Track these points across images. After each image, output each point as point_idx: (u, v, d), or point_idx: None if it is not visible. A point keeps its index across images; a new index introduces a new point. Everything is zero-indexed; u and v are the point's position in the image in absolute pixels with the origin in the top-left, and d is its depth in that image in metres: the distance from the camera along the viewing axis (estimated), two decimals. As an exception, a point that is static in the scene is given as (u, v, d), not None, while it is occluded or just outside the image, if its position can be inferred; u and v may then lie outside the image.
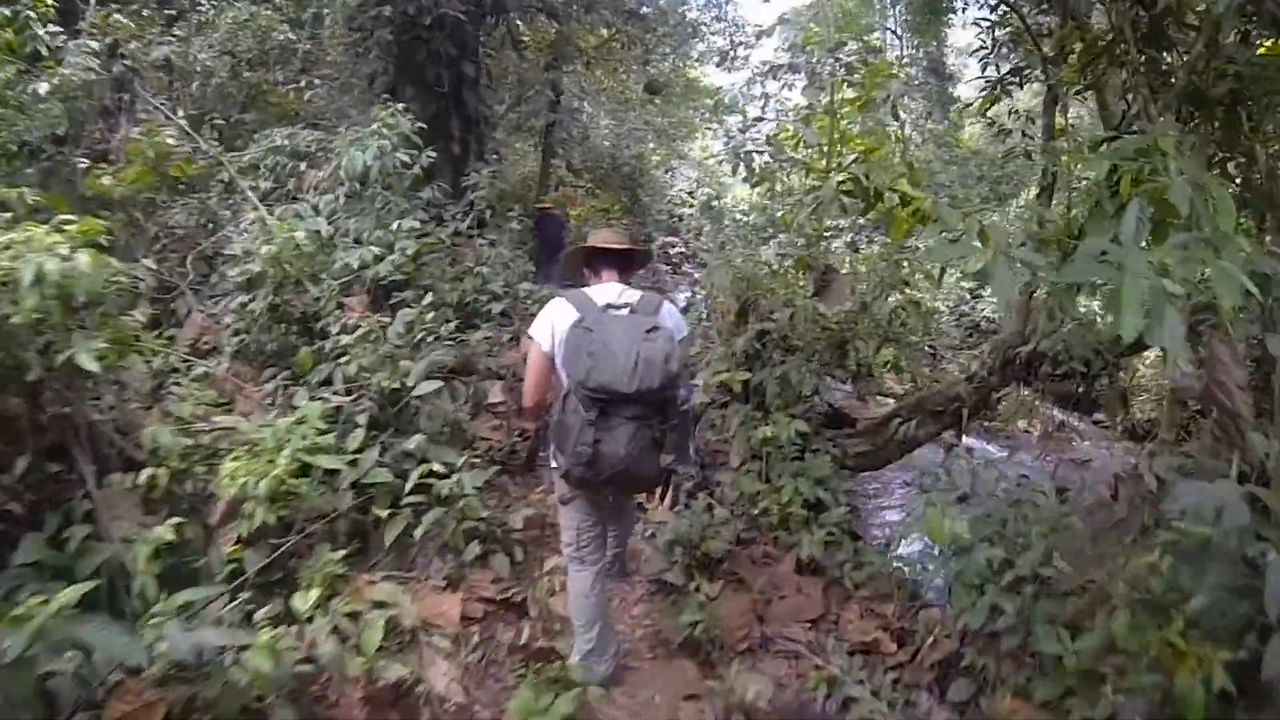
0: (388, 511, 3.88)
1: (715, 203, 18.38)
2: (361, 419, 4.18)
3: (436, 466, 3.97)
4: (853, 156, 4.14)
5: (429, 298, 5.09)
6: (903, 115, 6.11)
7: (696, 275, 12.89)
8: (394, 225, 5.70)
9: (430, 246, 6.09)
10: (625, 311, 2.98)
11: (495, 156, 9.21)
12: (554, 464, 3.06)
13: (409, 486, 3.93)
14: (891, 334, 6.04)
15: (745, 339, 5.47)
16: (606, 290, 3.10)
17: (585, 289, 3.13)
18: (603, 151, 17.13)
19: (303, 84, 9.31)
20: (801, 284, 6.38)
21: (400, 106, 6.42)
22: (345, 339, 4.51)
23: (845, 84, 6.31)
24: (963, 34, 16.72)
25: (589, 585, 3.28)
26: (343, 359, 4.47)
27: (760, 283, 6.07)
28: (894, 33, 18.32)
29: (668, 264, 16.37)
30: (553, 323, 3.03)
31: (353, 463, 3.88)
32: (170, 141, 6.35)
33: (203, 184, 6.71)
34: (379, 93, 8.73)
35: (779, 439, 4.84)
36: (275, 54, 9.36)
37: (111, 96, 6.59)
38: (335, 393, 4.36)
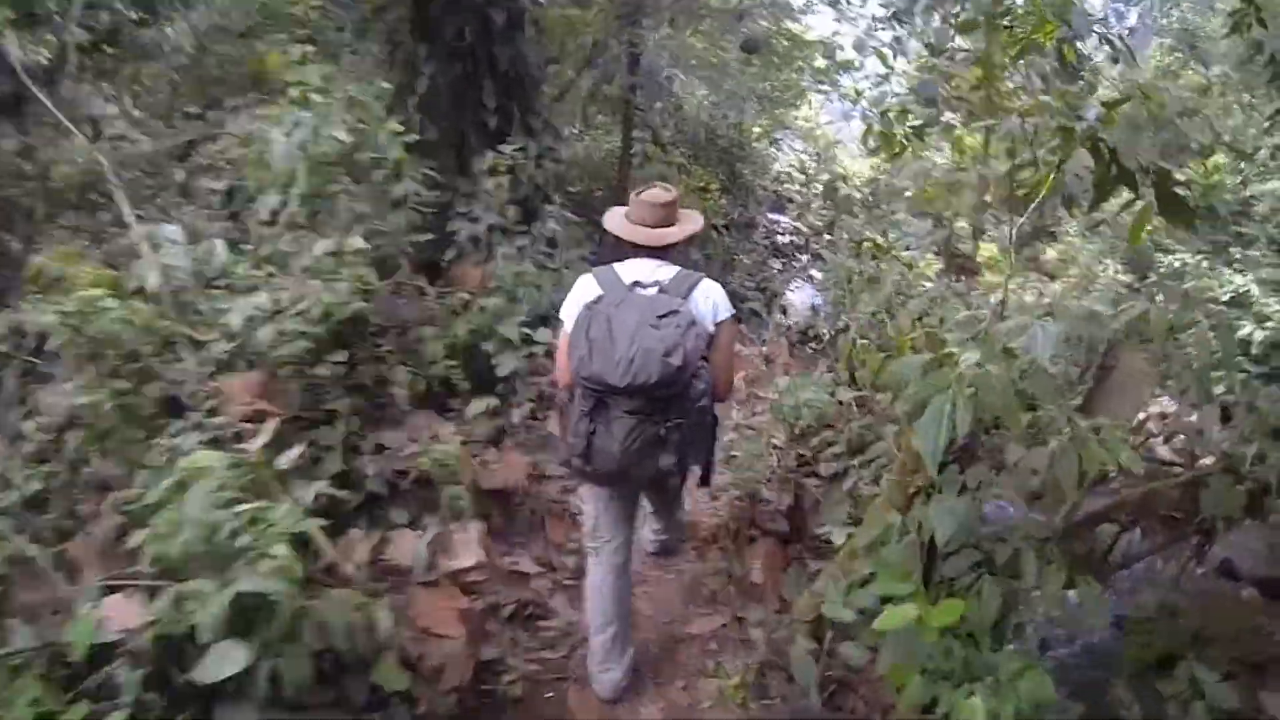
0: None
1: (841, 184, 16.07)
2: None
3: None
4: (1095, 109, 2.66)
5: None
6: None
7: (815, 274, 10.64)
8: (349, 243, 3.74)
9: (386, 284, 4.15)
10: (653, 290, 2.75)
11: (548, 127, 7.14)
12: (560, 447, 3.25)
13: None
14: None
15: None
16: (639, 267, 2.87)
17: (616, 264, 2.88)
18: (697, 122, 14.87)
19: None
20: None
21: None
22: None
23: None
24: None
25: (600, 579, 3.13)
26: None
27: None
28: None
29: (776, 253, 13.96)
30: (576, 302, 2.82)
31: None
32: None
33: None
34: (394, 54, 6.90)
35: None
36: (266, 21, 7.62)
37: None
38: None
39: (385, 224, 4.50)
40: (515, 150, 6.48)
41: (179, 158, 6.77)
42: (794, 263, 13.42)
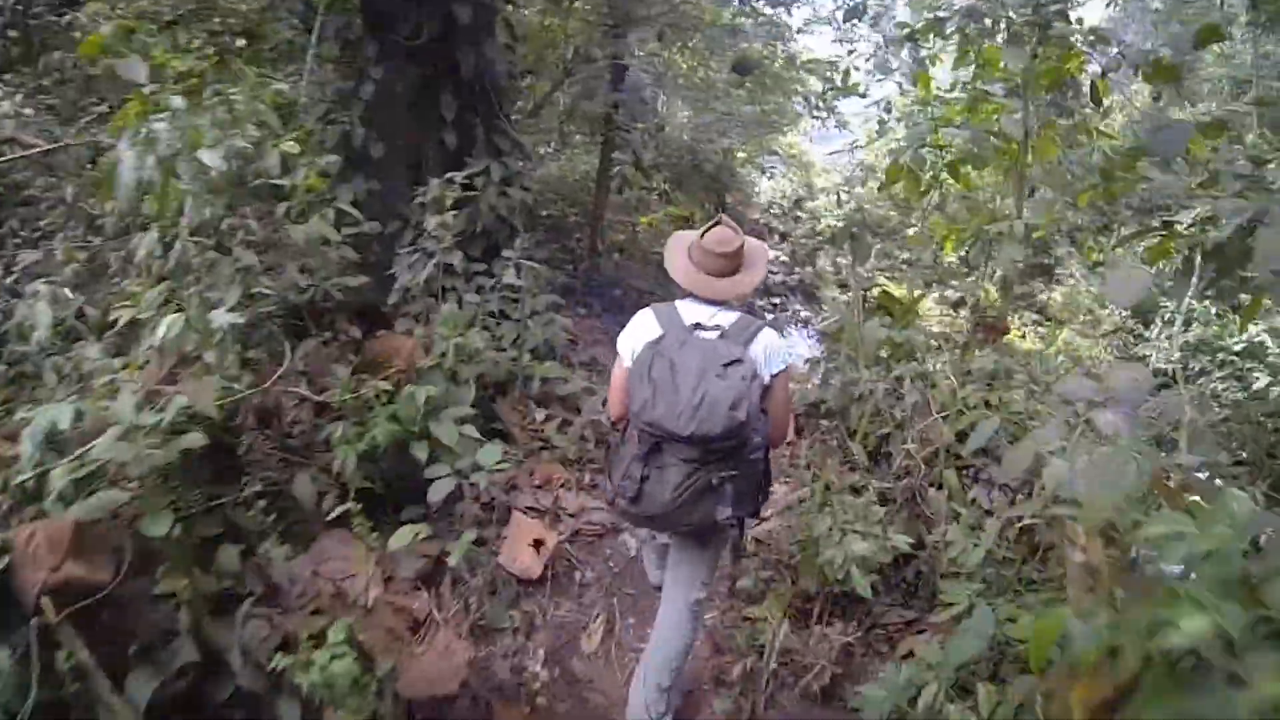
0: None
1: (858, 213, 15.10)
2: None
3: None
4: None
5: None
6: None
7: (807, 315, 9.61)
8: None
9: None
10: (714, 334, 2.65)
11: (517, 147, 6.11)
12: (605, 487, 2.96)
13: None
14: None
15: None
16: (700, 307, 2.76)
17: (677, 302, 2.79)
18: (680, 145, 13.89)
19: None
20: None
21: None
22: None
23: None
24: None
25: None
26: None
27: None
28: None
29: (766, 292, 12.94)
30: (635, 338, 2.75)
31: None
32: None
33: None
34: (343, 53, 5.87)
35: None
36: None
37: None
38: None
39: (292, 269, 3.41)
40: (477, 174, 5.43)
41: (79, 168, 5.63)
42: (787, 305, 12.31)
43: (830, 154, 19.62)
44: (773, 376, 2.72)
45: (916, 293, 5.84)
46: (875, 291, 6.63)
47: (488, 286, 5.34)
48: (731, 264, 2.77)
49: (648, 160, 13.07)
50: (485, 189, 5.65)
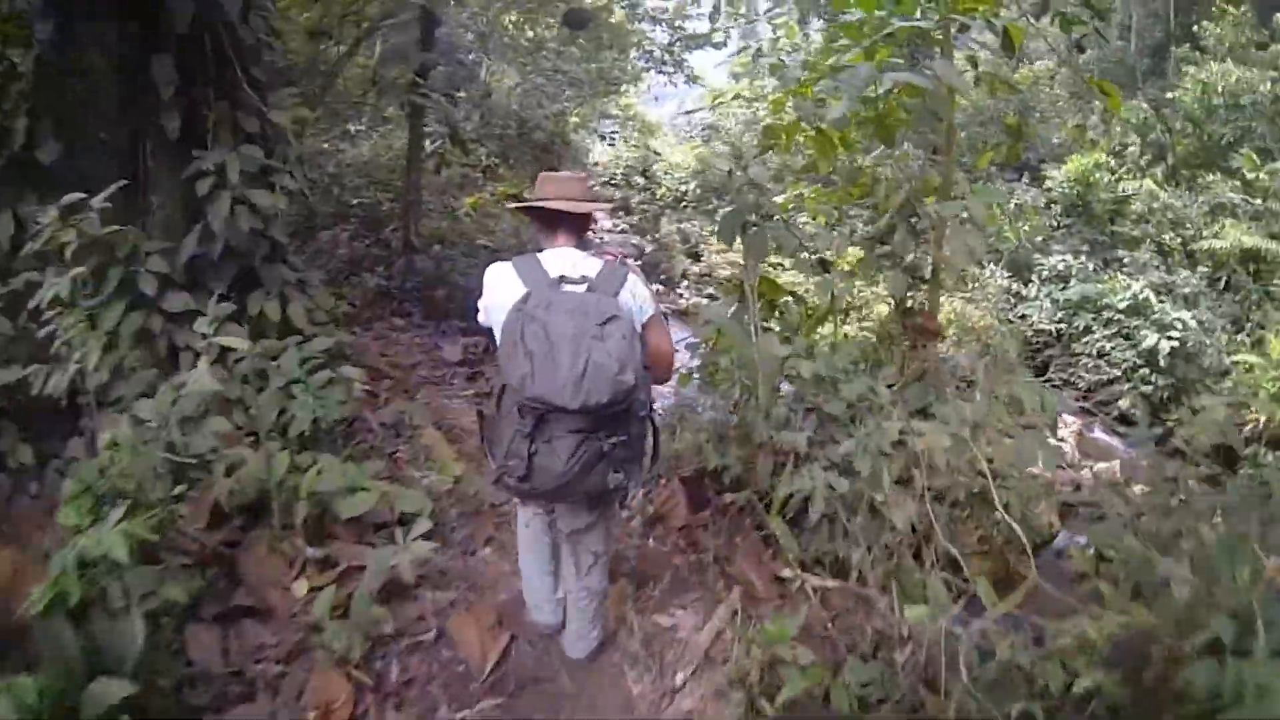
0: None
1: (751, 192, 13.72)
2: None
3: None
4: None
5: None
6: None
7: (667, 309, 8.39)
8: None
9: None
10: (582, 289, 2.46)
11: (275, 132, 4.44)
12: (488, 462, 2.66)
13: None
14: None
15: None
16: (561, 257, 2.60)
17: (538, 254, 2.61)
18: (507, 114, 12.25)
19: None
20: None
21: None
22: None
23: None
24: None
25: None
26: None
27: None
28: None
29: None
30: (492, 294, 2.58)
31: None
32: None
33: None
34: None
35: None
36: None
37: None
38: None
39: None
40: (203, 174, 3.80)
41: None
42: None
43: (687, 113, 18.38)
44: (646, 322, 2.63)
45: (829, 292, 4.56)
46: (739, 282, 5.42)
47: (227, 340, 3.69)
48: (586, 187, 2.79)
49: (469, 132, 11.40)
50: (216, 196, 3.98)
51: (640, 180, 18.68)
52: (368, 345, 7.50)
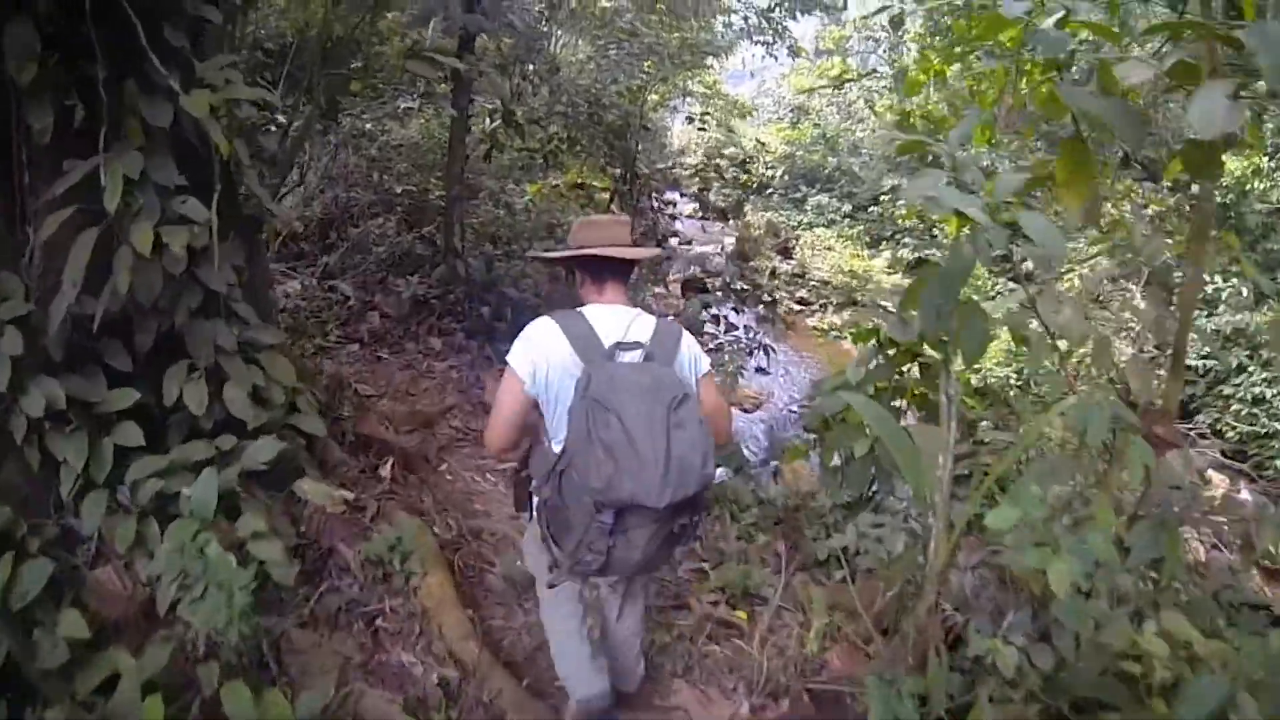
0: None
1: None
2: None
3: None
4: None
5: None
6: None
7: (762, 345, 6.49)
8: None
9: None
10: (638, 355, 2.27)
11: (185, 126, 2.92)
12: (540, 541, 2.40)
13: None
14: None
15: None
16: (611, 316, 2.37)
17: (584, 309, 2.39)
18: (576, 92, 10.65)
19: None
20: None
21: None
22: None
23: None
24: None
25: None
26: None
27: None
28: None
29: (700, 291, 9.67)
30: (541, 357, 2.31)
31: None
32: None
33: None
34: None
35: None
36: None
37: None
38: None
39: None
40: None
41: None
42: (736, 316, 8.82)
43: (819, 88, 16.63)
44: (700, 380, 2.46)
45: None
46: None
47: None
48: (629, 230, 2.58)
49: (532, 112, 9.86)
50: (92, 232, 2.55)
51: (723, 164, 16.99)
52: (390, 376, 6.09)
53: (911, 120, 4.92)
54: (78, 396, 2.90)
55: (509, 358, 2.36)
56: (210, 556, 2.62)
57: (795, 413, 9.07)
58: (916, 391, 3.58)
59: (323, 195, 8.99)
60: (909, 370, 3.61)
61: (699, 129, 14.09)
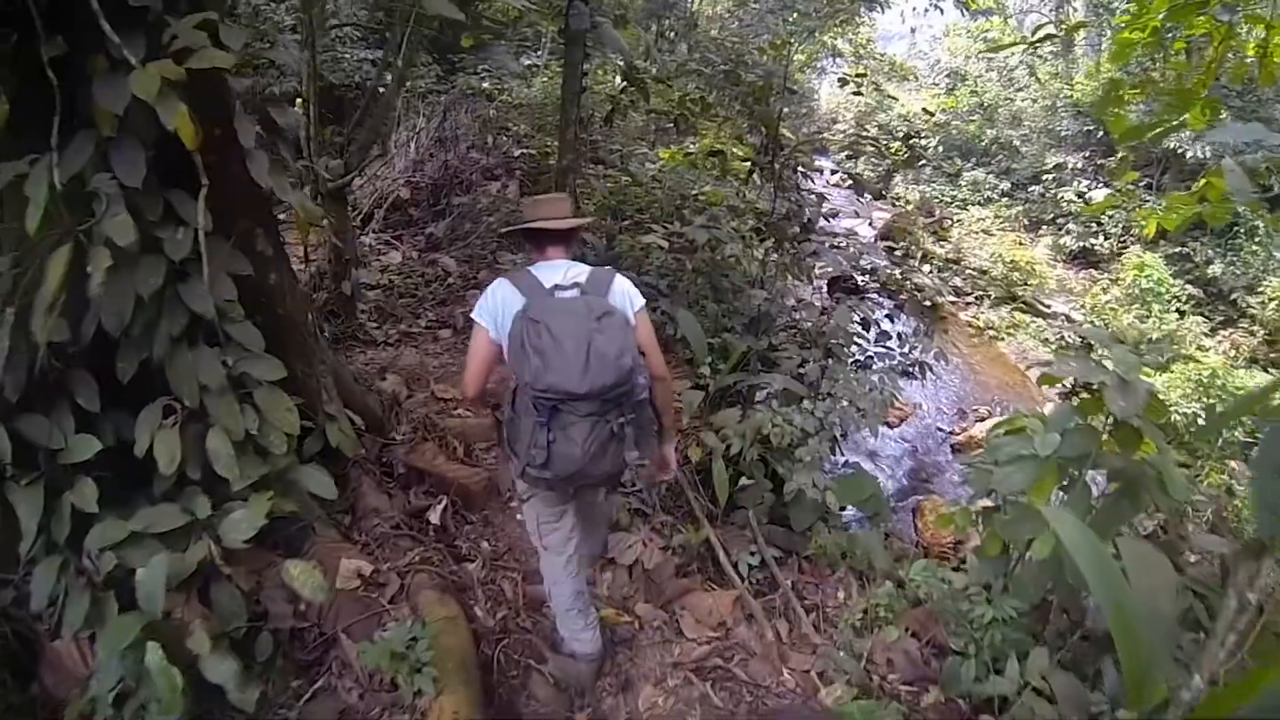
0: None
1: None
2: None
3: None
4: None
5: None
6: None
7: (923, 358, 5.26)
8: None
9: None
10: (574, 293, 2.67)
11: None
12: (511, 461, 2.71)
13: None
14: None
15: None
16: (553, 269, 2.75)
17: (531, 268, 2.77)
18: (715, 49, 9.66)
19: None
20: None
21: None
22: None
23: None
24: None
25: (568, 576, 3.03)
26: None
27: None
28: None
29: (849, 292, 8.16)
30: (498, 307, 2.69)
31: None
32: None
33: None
34: None
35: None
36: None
37: None
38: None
39: None
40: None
41: None
42: (891, 323, 7.22)
43: (1004, 47, 15.10)
44: (635, 315, 2.74)
45: None
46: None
47: None
48: (569, 207, 2.92)
49: (659, 69, 8.96)
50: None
51: (874, 132, 15.60)
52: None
53: (1120, 91, 3.83)
54: (37, 442, 2.37)
55: (474, 314, 2.70)
56: (151, 667, 2.04)
57: (945, 432, 8.01)
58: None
59: (432, 159, 8.43)
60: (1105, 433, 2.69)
61: (854, 92, 12.80)
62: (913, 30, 16.47)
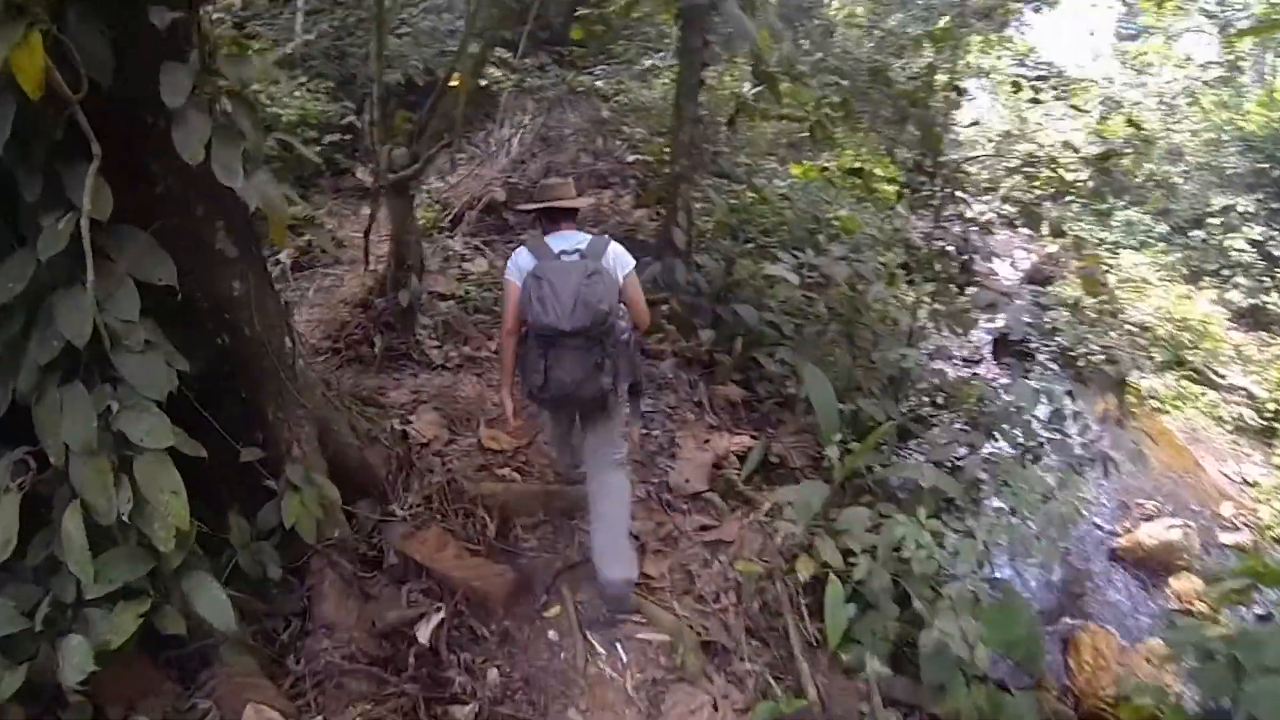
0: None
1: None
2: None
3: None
4: None
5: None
6: None
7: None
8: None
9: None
10: (575, 257, 3.39)
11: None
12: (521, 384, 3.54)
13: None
14: None
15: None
16: (563, 239, 3.51)
17: (546, 237, 3.53)
18: (848, 58, 8.59)
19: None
20: None
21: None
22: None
23: None
24: None
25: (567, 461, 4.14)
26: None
27: None
28: None
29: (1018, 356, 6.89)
30: (521, 268, 3.43)
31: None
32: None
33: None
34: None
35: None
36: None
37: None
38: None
39: None
40: None
41: None
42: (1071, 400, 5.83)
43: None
44: (624, 277, 3.49)
45: None
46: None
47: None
48: (574, 188, 3.67)
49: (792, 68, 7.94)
50: None
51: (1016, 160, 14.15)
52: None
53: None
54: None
55: (505, 275, 3.51)
56: None
57: (1104, 531, 6.54)
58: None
59: (535, 159, 7.72)
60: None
61: (1030, 100, 11.26)
62: (1091, 32, 15.01)
